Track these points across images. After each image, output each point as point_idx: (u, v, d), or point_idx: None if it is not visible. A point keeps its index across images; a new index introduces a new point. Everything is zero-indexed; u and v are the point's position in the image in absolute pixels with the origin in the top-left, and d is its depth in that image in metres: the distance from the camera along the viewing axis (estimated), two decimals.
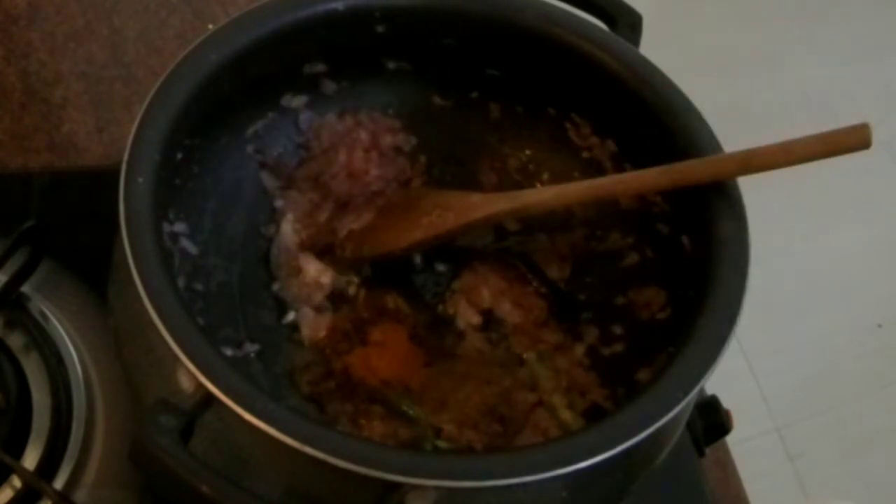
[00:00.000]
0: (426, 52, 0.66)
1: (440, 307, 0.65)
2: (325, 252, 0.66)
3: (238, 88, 0.61)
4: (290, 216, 0.66)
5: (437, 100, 0.70)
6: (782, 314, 1.57)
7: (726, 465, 0.70)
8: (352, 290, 0.65)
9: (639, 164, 0.61)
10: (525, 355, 0.63)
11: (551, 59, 0.64)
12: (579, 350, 0.63)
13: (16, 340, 0.62)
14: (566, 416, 0.60)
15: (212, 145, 0.63)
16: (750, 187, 0.58)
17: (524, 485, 0.48)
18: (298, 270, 0.65)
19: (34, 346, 0.62)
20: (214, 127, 0.62)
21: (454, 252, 0.67)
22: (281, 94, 0.67)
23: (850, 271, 1.70)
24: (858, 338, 1.64)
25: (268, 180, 0.67)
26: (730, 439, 0.69)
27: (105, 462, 0.60)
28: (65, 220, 0.68)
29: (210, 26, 0.77)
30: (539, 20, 0.64)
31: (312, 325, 0.63)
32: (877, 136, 0.54)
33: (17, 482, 0.57)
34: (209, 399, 0.47)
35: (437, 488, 0.47)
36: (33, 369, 0.61)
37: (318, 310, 0.64)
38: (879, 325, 1.66)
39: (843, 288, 1.67)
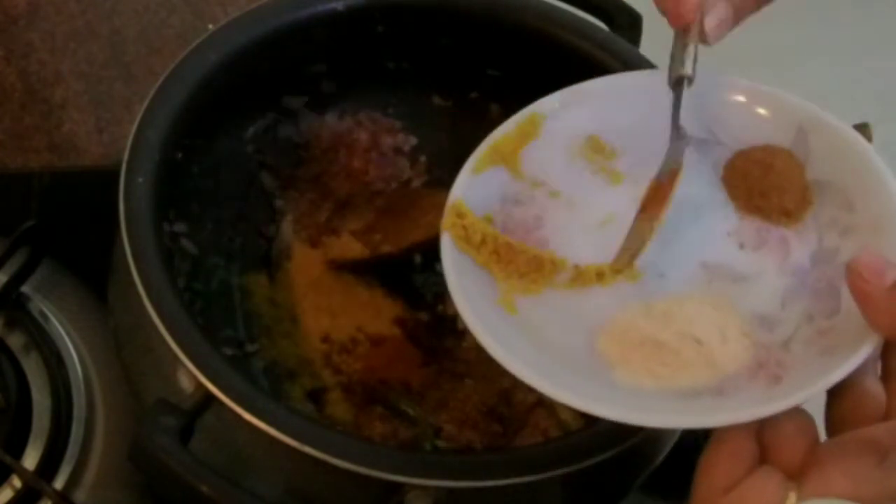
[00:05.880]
0: (426, 52, 0.66)
1: (440, 307, 0.65)
2: (324, 252, 0.66)
3: (238, 88, 0.61)
4: (290, 216, 0.66)
5: (437, 100, 0.70)
6: None
7: None
8: (352, 291, 0.65)
9: None
10: None
11: (551, 59, 0.64)
12: None
13: (16, 340, 0.62)
14: (566, 415, 0.60)
15: (212, 145, 0.63)
16: None
17: (524, 485, 0.48)
18: (299, 271, 0.65)
19: (34, 346, 0.62)
20: (214, 127, 0.62)
21: None
22: (281, 94, 0.67)
23: None
24: None
25: (268, 180, 0.67)
26: None
27: (105, 462, 0.60)
28: (65, 220, 0.68)
29: (210, 26, 0.76)
30: (539, 20, 0.64)
31: (312, 324, 0.63)
32: (877, 136, 0.54)
33: (17, 482, 0.57)
34: (209, 399, 0.47)
35: (437, 488, 0.47)
36: (33, 369, 0.61)
37: (318, 310, 0.64)
38: None
39: None
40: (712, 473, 0.41)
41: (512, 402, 0.61)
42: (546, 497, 0.51)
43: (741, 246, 0.50)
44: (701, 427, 0.43)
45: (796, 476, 0.40)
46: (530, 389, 0.61)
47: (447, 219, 0.50)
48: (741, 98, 0.52)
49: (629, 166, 0.53)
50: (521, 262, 0.50)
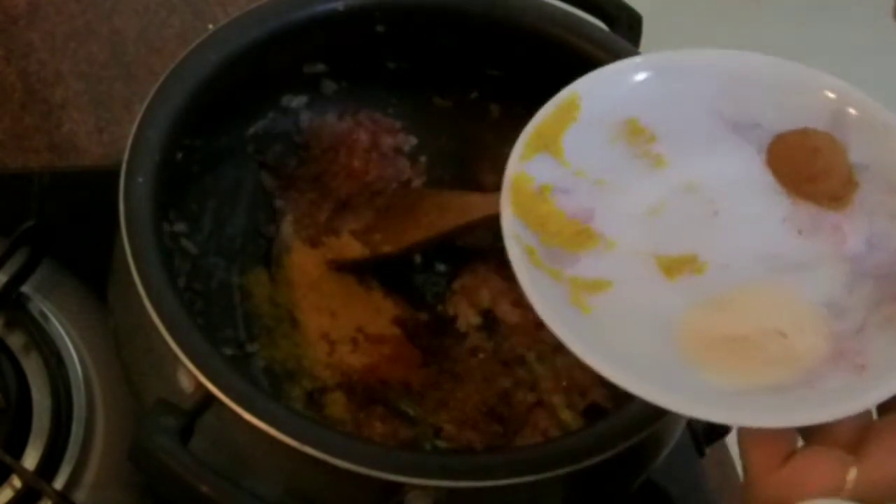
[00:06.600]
0: (426, 53, 0.66)
1: (440, 307, 0.65)
2: (324, 252, 0.66)
3: (238, 88, 0.61)
4: (290, 216, 0.66)
5: (437, 100, 0.70)
6: None
7: (726, 465, 0.70)
8: (352, 291, 0.65)
9: None
10: (525, 355, 0.63)
11: (551, 59, 0.64)
12: None
13: (16, 340, 0.62)
14: (566, 415, 0.60)
15: (212, 145, 0.63)
16: None
17: (524, 485, 0.48)
18: (298, 271, 0.65)
19: (34, 346, 0.62)
20: (214, 127, 0.62)
21: (454, 252, 0.67)
22: (281, 94, 0.67)
23: None
24: None
25: (268, 180, 0.67)
26: (730, 439, 0.69)
27: (105, 462, 0.60)
28: (65, 220, 0.68)
29: (210, 26, 0.76)
30: (539, 20, 0.64)
31: (312, 324, 0.63)
32: None
33: (17, 482, 0.57)
34: (209, 399, 0.47)
35: (437, 488, 0.47)
36: (33, 369, 0.61)
37: (318, 310, 0.64)
38: None
39: None
40: (758, 452, 0.40)
41: (512, 402, 0.61)
42: (546, 497, 0.51)
43: (799, 232, 0.48)
44: (809, 423, 0.41)
45: (853, 452, 0.39)
46: (531, 389, 0.62)
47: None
48: (777, 78, 0.51)
49: (669, 150, 0.51)
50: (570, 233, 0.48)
